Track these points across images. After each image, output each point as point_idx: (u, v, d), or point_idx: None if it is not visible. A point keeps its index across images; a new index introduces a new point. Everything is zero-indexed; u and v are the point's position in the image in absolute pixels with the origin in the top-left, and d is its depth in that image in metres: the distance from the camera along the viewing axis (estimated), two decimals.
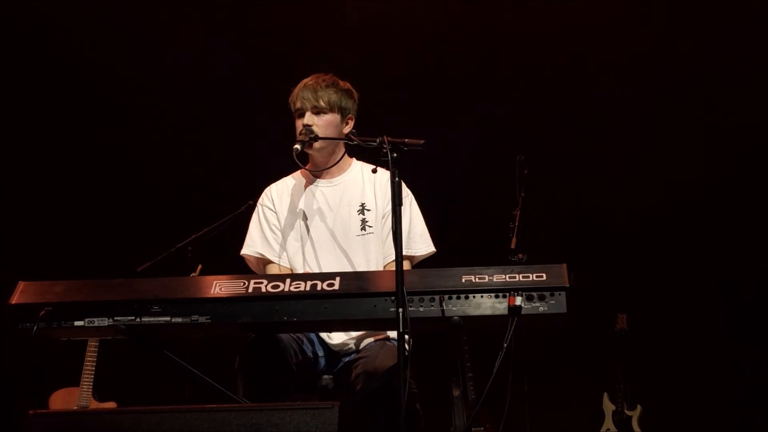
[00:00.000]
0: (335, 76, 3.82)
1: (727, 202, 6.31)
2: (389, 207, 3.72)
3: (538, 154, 5.78)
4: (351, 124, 3.81)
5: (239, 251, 3.86)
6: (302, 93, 3.72)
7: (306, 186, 3.85)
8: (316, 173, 3.84)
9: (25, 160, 6.45)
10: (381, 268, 3.74)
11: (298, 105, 3.73)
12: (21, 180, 6.46)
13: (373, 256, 3.74)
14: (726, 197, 6.32)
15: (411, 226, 3.74)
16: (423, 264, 3.80)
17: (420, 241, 3.78)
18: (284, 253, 3.77)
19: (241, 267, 3.85)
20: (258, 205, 3.88)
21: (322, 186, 3.83)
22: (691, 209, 6.36)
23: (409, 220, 3.74)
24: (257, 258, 3.78)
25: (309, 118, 3.70)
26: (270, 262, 3.77)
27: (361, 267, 3.70)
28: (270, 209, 3.83)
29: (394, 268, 3.50)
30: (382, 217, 3.78)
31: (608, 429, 6.19)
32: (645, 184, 6.43)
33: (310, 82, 3.75)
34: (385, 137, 3.14)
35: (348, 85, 3.82)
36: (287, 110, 3.83)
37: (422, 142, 3.14)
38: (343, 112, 3.77)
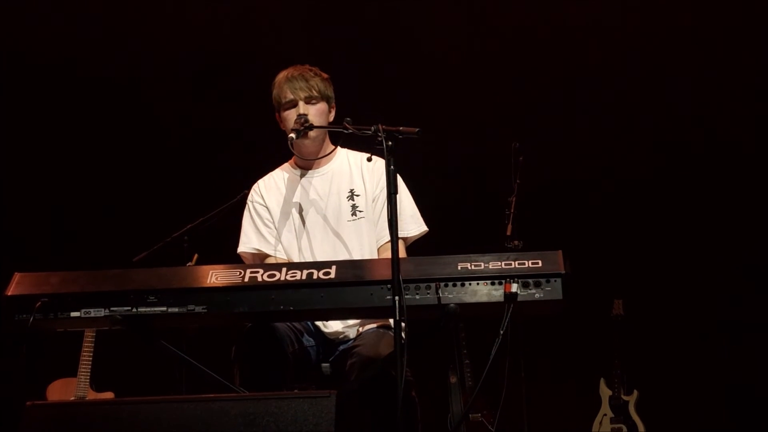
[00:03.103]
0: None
1: (724, 187, 6.32)
2: (378, 190, 3.76)
3: (534, 141, 5.78)
4: (333, 112, 3.83)
5: (235, 240, 3.85)
6: (293, 83, 3.71)
7: (294, 178, 3.84)
8: (304, 163, 3.83)
9: (20, 151, 6.44)
10: (375, 252, 3.75)
11: (290, 96, 3.71)
12: (16, 171, 6.45)
13: (366, 240, 3.74)
14: (724, 182, 6.32)
15: (401, 208, 3.72)
16: (418, 248, 3.80)
17: (411, 222, 3.78)
18: (279, 245, 3.77)
19: (237, 256, 3.85)
20: (248, 202, 3.87)
21: (310, 176, 3.82)
22: (687, 194, 6.37)
23: (399, 202, 3.72)
24: (253, 254, 3.78)
25: (303, 107, 3.69)
26: (267, 256, 3.77)
27: (355, 252, 3.71)
28: (261, 204, 3.82)
29: (388, 250, 3.55)
30: (372, 201, 3.78)
31: (605, 414, 6.21)
32: (641, 169, 6.44)
33: (297, 73, 3.74)
34: (380, 125, 3.13)
35: (326, 75, 3.83)
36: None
37: (417, 130, 3.13)
38: (328, 101, 3.79)
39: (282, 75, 3.78)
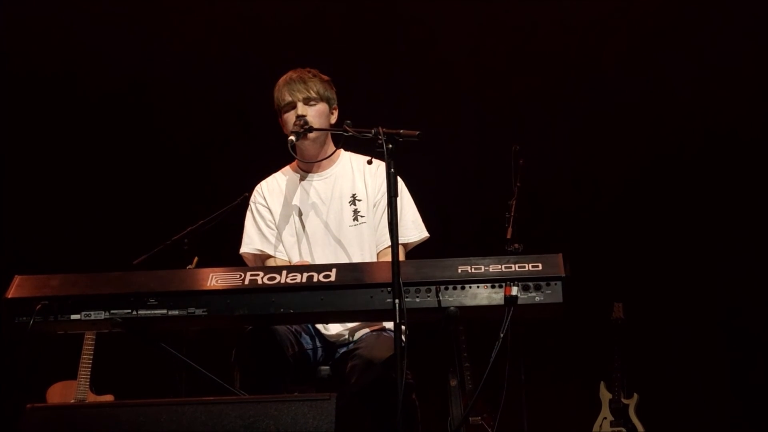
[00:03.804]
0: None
1: (725, 191, 6.31)
2: (380, 195, 3.75)
3: (533, 144, 5.78)
4: (336, 114, 3.83)
5: (235, 243, 3.86)
6: (291, 86, 3.72)
7: (296, 180, 3.85)
8: (306, 167, 3.83)
9: (20, 154, 6.44)
10: (375, 257, 3.74)
11: (289, 99, 3.72)
12: (17, 174, 6.45)
13: (366, 245, 3.74)
14: (724, 185, 6.31)
15: (402, 214, 3.73)
16: (419, 252, 3.80)
17: (412, 228, 3.79)
18: (281, 245, 3.77)
19: (237, 259, 3.85)
20: (250, 203, 3.88)
21: (312, 179, 3.83)
22: (688, 197, 6.36)
23: (400, 207, 3.72)
24: (255, 255, 3.78)
25: (302, 109, 3.70)
26: (269, 256, 3.77)
27: (356, 257, 3.71)
28: (263, 206, 3.83)
29: (387, 255, 3.55)
30: (374, 206, 3.78)
31: (605, 418, 6.20)
32: (641, 173, 6.44)
33: (295, 75, 3.76)
34: (380, 128, 3.13)
35: (327, 77, 3.83)
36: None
37: (417, 133, 3.13)
38: (329, 102, 3.79)
39: (282, 79, 3.79)
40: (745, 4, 6.20)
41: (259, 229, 3.80)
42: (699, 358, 6.22)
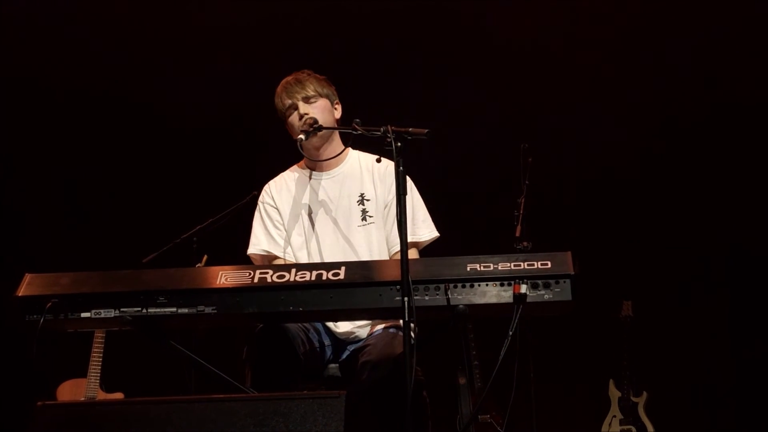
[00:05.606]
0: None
1: (732, 189, 6.30)
2: (390, 196, 3.75)
3: (543, 142, 5.77)
4: (339, 109, 3.85)
5: (244, 241, 3.86)
6: (289, 89, 3.74)
7: (305, 179, 3.85)
8: (314, 165, 3.84)
9: (30, 153, 6.46)
10: (384, 257, 3.74)
11: (289, 101, 3.73)
12: (27, 173, 6.47)
13: (375, 245, 3.74)
14: (732, 184, 6.31)
15: (413, 213, 3.74)
16: (428, 250, 3.80)
17: (423, 227, 3.79)
18: (289, 247, 3.77)
19: (246, 257, 3.86)
20: (259, 203, 3.88)
21: (320, 178, 3.83)
22: (696, 195, 6.36)
23: (411, 207, 3.72)
24: (262, 256, 3.78)
25: (304, 107, 3.71)
26: (276, 258, 3.77)
27: (364, 257, 3.70)
28: (271, 206, 3.83)
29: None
30: (384, 207, 3.78)
31: (614, 416, 6.20)
32: (650, 171, 6.43)
33: (291, 79, 3.79)
34: (389, 126, 3.12)
35: (323, 76, 3.84)
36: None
37: (426, 131, 3.12)
38: (329, 98, 3.80)
39: (279, 86, 3.82)
40: None
41: (267, 230, 3.80)
42: (708, 356, 6.22)
